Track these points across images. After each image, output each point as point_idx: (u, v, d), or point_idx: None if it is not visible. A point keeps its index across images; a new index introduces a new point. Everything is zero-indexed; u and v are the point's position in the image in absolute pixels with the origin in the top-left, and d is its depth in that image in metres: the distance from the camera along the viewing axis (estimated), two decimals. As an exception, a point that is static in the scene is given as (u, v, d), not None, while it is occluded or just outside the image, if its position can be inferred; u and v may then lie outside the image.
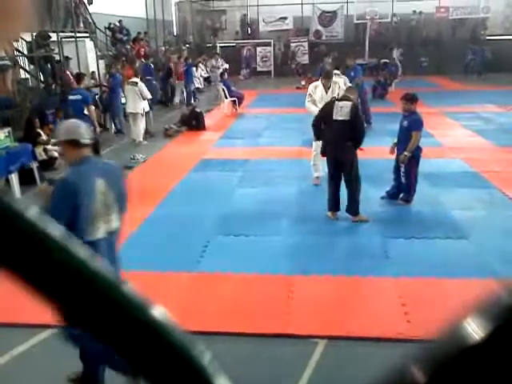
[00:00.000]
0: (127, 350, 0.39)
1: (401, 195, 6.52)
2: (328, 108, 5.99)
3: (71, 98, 9.14)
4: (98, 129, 9.68)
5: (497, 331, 0.35)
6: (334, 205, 6.05)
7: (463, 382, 0.35)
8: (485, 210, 6.29)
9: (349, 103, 5.81)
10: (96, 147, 9.01)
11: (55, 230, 0.39)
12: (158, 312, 0.40)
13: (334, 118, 5.83)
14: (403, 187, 6.46)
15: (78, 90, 9.25)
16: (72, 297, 0.39)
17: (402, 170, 6.35)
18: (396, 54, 22.96)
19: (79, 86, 9.39)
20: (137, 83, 10.50)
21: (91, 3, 14.58)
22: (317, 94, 7.22)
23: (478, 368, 0.35)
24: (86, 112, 8.87)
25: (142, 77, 14.68)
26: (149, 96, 10.76)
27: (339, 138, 5.78)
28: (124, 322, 0.39)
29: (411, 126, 6.22)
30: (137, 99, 10.44)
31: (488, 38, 23.93)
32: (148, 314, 0.40)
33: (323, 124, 6.08)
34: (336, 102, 5.98)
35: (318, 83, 7.37)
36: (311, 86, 7.49)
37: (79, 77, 9.70)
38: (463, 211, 6.22)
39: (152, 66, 15.66)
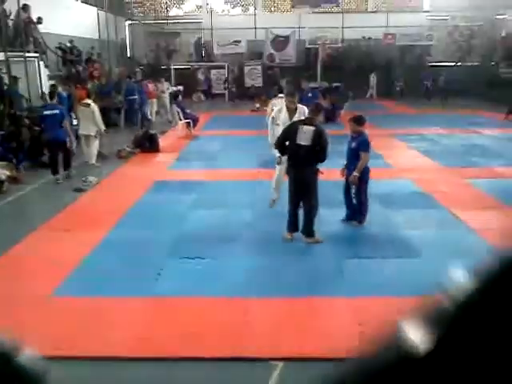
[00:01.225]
0: None
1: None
2: (291, 130, 5.89)
3: (47, 113, 9.38)
4: (75, 141, 9.93)
5: (441, 340, 0.33)
6: (292, 225, 6.10)
7: None
8: (434, 230, 6.50)
9: (312, 128, 5.75)
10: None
11: None
12: None
13: (297, 142, 5.78)
14: (355, 208, 6.59)
15: (54, 105, 9.54)
16: None
17: (353, 191, 6.50)
18: (372, 78, 24.05)
19: (52, 101, 9.69)
20: (89, 105, 10.27)
21: (40, 23, 14.29)
22: (281, 117, 6.96)
23: (423, 381, 0.33)
24: (62, 125, 9.24)
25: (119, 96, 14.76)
26: (101, 124, 10.24)
27: (302, 161, 5.81)
28: None
29: (359, 147, 6.39)
30: (89, 121, 10.21)
31: (431, 63, 25.08)
32: None
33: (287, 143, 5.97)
34: (300, 126, 5.84)
35: (281, 104, 7.13)
36: (275, 109, 7.24)
37: (53, 93, 9.97)
38: (414, 231, 6.40)
39: (136, 84, 15.43)
